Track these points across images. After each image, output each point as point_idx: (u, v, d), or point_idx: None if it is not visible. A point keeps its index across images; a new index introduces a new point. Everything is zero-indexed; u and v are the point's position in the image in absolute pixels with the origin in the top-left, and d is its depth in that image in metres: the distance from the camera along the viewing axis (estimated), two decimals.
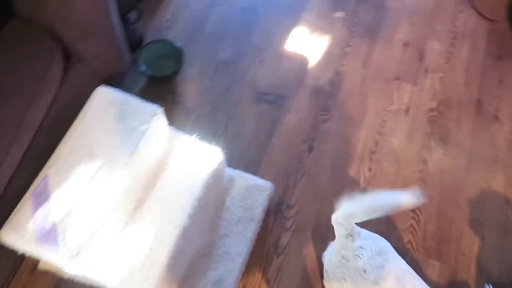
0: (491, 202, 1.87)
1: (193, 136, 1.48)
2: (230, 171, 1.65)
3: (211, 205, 1.50)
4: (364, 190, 1.84)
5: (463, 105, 2.11)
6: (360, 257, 1.27)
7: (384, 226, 1.76)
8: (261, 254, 1.69)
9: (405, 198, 1.18)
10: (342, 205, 1.27)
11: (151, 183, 1.40)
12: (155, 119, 1.33)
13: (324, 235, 1.72)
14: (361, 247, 1.29)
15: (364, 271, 1.25)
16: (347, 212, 1.26)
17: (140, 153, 1.29)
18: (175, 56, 1.97)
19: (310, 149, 1.93)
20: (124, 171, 1.26)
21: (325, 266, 1.44)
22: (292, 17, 2.29)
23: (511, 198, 1.89)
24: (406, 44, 2.25)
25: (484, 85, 2.17)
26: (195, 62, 2.11)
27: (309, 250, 1.70)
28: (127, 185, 1.27)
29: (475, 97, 2.13)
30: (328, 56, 2.19)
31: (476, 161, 1.96)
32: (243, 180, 1.63)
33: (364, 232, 1.37)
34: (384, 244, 1.37)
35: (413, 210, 1.81)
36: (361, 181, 1.86)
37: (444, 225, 1.80)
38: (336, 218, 1.30)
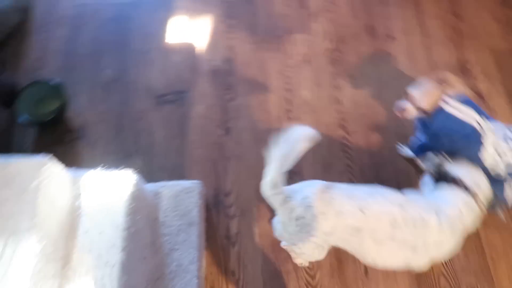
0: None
1: (98, 168, 1.39)
2: (152, 186, 1.58)
3: (144, 228, 1.42)
4: None
5: (357, 36, 2.14)
6: (311, 206, 1.26)
7: (321, 174, 1.78)
8: (217, 250, 1.65)
9: (300, 132, 1.23)
10: (264, 177, 1.26)
11: (71, 234, 1.30)
12: (44, 170, 1.23)
13: (269, 206, 1.72)
14: (304, 198, 1.27)
15: (323, 213, 1.25)
16: (270, 181, 1.24)
17: (42, 211, 1.19)
18: (56, 93, 1.82)
19: (228, 131, 1.88)
20: (32, 237, 1.16)
21: (287, 243, 1.43)
22: (165, 9, 2.20)
23: None
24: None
25: (369, 10, 2.21)
26: (81, 91, 1.96)
27: (261, 228, 1.68)
28: (42, 249, 1.17)
29: (365, 25, 2.17)
30: (214, 34, 2.13)
31: (384, 82, 2.01)
32: (169, 189, 1.57)
33: (294, 186, 1.36)
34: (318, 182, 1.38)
35: (344, 150, 1.85)
36: None
37: (375, 152, 1.86)
38: (266, 192, 1.28)
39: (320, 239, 1.28)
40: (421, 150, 1.65)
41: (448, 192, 1.36)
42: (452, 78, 1.43)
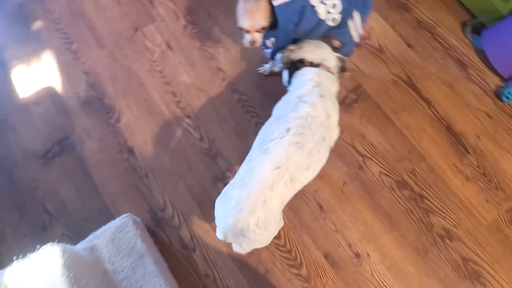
0: None
1: (16, 260, 1.24)
2: (84, 243, 1.45)
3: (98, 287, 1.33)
4: (202, 137, 1.80)
5: (203, 2, 2.10)
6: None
7: (240, 145, 1.78)
8: (182, 264, 1.60)
9: None
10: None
11: None
12: None
13: (209, 199, 1.69)
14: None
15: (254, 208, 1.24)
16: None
17: None
18: None
19: (131, 151, 1.78)
20: None
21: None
22: (1, 73, 1.95)
23: None
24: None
25: None
26: None
27: (210, 221, 1.66)
28: None
29: None
30: (64, 67, 1.95)
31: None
32: (102, 237, 1.46)
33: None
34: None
35: (248, 111, 1.85)
36: (194, 133, 1.81)
37: (271, 91, 1.88)
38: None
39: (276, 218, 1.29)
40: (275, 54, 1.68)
41: (301, 75, 1.47)
42: None
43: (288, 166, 1.22)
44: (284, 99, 1.43)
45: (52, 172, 1.75)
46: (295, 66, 1.49)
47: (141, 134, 1.81)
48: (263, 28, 1.46)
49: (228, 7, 2.08)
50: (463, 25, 2.02)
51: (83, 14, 2.07)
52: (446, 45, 1.99)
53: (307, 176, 1.30)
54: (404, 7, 2.08)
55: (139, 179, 1.74)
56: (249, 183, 1.21)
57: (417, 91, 1.88)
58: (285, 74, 1.56)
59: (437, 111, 1.84)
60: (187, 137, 1.81)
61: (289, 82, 1.52)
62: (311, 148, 1.26)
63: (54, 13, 2.06)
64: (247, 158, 1.30)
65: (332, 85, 1.47)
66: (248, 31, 1.46)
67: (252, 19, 1.42)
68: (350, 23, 1.57)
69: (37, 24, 2.04)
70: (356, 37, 1.63)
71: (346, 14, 1.54)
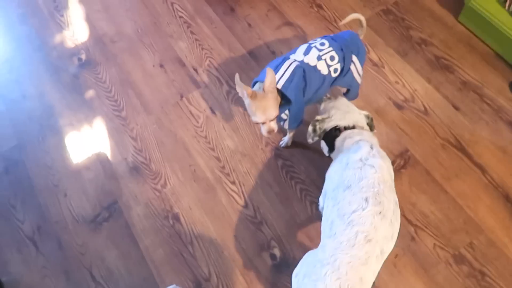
0: None
1: None
2: None
3: None
4: (247, 204, 1.79)
5: (244, 67, 2.16)
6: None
7: (284, 210, 1.75)
8: None
9: None
10: None
11: None
12: None
13: (255, 269, 1.65)
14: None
15: None
16: None
17: None
18: None
19: (176, 218, 1.78)
20: None
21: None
22: (51, 134, 2.04)
23: None
24: (161, 65, 2.21)
25: (242, 39, 2.25)
26: (9, 257, 1.74)
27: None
28: None
29: (246, 53, 2.20)
30: (114, 133, 2.03)
31: None
32: None
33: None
34: None
35: (291, 176, 1.84)
36: (239, 199, 1.81)
37: (313, 157, 1.87)
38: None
39: None
40: (296, 121, 1.67)
41: (349, 138, 1.45)
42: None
43: (377, 238, 1.18)
44: (341, 162, 1.39)
45: (100, 238, 1.78)
46: (331, 134, 1.50)
47: (186, 200, 1.83)
48: (276, 115, 1.51)
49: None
50: (511, 85, 1.97)
51: (131, 83, 2.17)
52: (495, 106, 1.93)
53: (391, 246, 1.25)
54: (447, 68, 2.06)
55: (184, 246, 1.73)
56: (342, 259, 1.16)
57: (469, 156, 1.81)
58: (323, 144, 1.56)
59: (492, 178, 1.75)
60: (231, 204, 1.80)
61: (330, 150, 1.51)
62: (391, 216, 1.23)
63: (105, 82, 2.18)
64: (328, 232, 1.25)
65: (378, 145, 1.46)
66: (263, 123, 1.51)
67: (264, 114, 1.48)
68: (353, 67, 1.63)
69: (90, 93, 2.16)
70: (359, 80, 1.68)
71: (345, 61, 1.59)
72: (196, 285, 1.65)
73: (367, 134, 1.46)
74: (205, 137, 1.98)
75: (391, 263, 1.61)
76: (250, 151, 1.93)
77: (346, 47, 1.59)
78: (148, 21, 2.38)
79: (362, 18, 1.68)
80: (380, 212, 1.20)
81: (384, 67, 2.09)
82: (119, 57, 2.26)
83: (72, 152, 2.00)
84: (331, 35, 1.67)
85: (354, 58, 1.62)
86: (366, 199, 1.22)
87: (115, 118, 2.07)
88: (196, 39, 2.28)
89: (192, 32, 2.31)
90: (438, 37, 2.16)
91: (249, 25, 2.31)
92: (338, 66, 1.59)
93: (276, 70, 1.53)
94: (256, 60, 2.19)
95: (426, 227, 1.67)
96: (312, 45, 1.60)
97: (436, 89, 2.01)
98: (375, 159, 1.32)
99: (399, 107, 1.97)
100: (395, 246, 1.66)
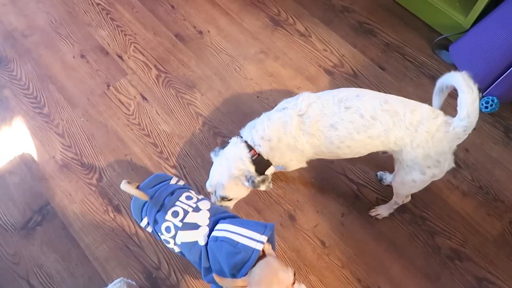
0: None
1: None
2: None
3: None
4: (190, 186, 1.74)
5: (171, 50, 2.08)
6: None
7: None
8: None
9: None
10: None
11: None
12: None
13: None
14: None
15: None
16: None
17: None
18: None
19: (117, 209, 1.68)
20: None
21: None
22: None
23: None
24: (82, 55, 2.06)
25: (166, 21, 2.16)
26: None
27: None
28: None
29: (172, 35, 2.12)
30: (37, 132, 1.86)
31: (223, 70, 2.02)
32: None
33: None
34: None
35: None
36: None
37: None
38: None
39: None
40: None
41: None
42: None
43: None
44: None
45: (34, 243, 1.63)
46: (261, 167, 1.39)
47: (125, 192, 1.73)
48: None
49: (197, 53, 2.08)
50: (430, 42, 2.08)
51: (51, 77, 2.01)
52: (417, 63, 2.03)
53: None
54: (370, 32, 2.13)
55: (129, 238, 1.64)
56: None
57: None
58: (271, 169, 1.44)
59: None
60: None
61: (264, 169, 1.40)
62: None
63: (21, 79, 2.00)
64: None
65: None
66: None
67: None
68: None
69: (5, 92, 1.97)
70: None
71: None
72: (146, 275, 1.57)
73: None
74: (138, 124, 1.89)
75: (339, 222, 1.65)
76: (187, 132, 1.87)
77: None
78: (62, 11, 2.21)
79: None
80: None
81: (311, 37, 2.12)
82: (34, 52, 2.08)
83: None
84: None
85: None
86: None
87: (37, 116, 1.91)
88: (118, 26, 2.16)
89: (112, 19, 2.18)
90: (358, 4, 2.22)
91: (172, 6, 2.23)
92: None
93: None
94: (183, 42, 2.12)
95: (367, 184, 1.73)
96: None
97: (362, 53, 2.07)
98: None
99: (329, 73, 2.01)
100: (341, 205, 1.70)
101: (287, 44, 2.09)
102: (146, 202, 1.25)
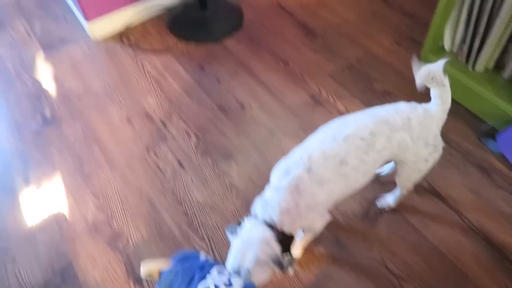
0: None
1: None
2: None
3: None
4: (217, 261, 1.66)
5: (213, 121, 2.13)
6: None
7: None
8: None
9: None
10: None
11: None
12: None
13: None
14: None
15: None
16: None
17: None
18: None
19: (139, 281, 1.62)
20: None
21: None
22: (6, 192, 1.90)
23: None
24: (128, 120, 2.16)
25: (211, 93, 2.26)
26: None
27: None
28: None
29: (214, 107, 2.19)
30: (74, 191, 1.89)
31: (260, 148, 2.02)
32: None
33: None
34: None
35: None
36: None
37: None
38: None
39: None
40: None
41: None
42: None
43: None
44: None
45: None
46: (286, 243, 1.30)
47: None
48: None
49: (237, 124, 2.11)
50: (475, 130, 2.01)
51: (97, 138, 2.10)
52: (462, 151, 1.94)
53: None
54: None
55: None
56: None
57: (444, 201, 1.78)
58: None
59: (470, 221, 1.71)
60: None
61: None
62: None
63: (69, 139, 2.10)
64: None
65: None
66: None
67: None
68: None
69: (51, 149, 2.06)
70: None
71: None
72: None
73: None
74: (172, 191, 1.88)
75: None
76: (219, 204, 1.83)
77: None
78: (117, 78, 2.37)
79: None
80: None
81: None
82: (85, 114, 2.20)
83: (27, 212, 1.84)
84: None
85: None
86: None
87: (76, 174, 1.96)
88: (165, 94, 2.27)
89: (161, 88, 2.31)
90: (400, 89, 2.22)
91: (218, 80, 2.33)
92: None
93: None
94: (224, 112, 2.17)
95: (408, 278, 1.57)
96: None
97: None
98: None
99: None
100: None
101: (327, 122, 2.09)
102: (172, 278, 1.18)
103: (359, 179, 1.34)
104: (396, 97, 2.17)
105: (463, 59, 2.08)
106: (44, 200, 1.88)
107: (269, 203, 1.30)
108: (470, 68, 2.08)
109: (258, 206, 1.34)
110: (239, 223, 1.33)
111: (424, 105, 1.39)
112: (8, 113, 2.22)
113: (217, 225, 1.76)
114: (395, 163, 1.47)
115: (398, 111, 1.35)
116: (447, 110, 1.39)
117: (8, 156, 2.04)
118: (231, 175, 1.93)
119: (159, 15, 2.72)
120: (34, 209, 1.85)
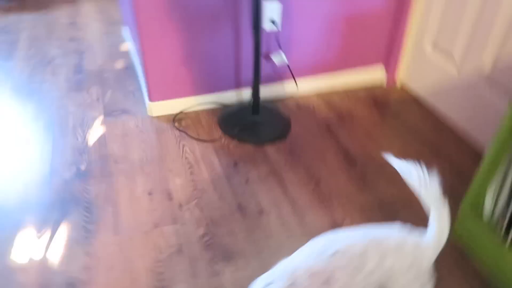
0: None
1: None
2: None
3: None
4: None
5: (227, 217, 2.11)
6: None
7: None
8: None
9: None
10: None
11: None
12: None
13: None
14: None
15: None
16: None
17: None
18: None
19: None
20: None
21: None
22: (8, 227, 1.96)
23: None
24: (150, 193, 2.21)
25: (236, 191, 2.28)
26: None
27: None
28: None
29: (234, 204, 2.19)
30: (70, 244, 1.90)
31: (264, 259, 1.91)
32: None
33: None
34: None
35: None
36: None
37: None
38: None
39: None
40: None
41: None
42: None
43: None
44: None
45: None
46: None
47: None
48: None
49: (250, 227, 2.05)
50: None
51: (115, 202, 2.15)
52: None
53: None
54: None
55: None
56: None
57: None
58: None
59: None
60: None
61: None
62: None
63: (91, 194, 2.18)
64: None
65: None
66: None
67: None
68: None
69: (70, 199, 2.14)
70: None
71: None
72: None
73: None
74: (161, 274, 1.79)
75: None
76: None
77: None
78: (156, 153, 2.50)
79: None
80: None
81: None
82: (114, 176, 2.31)
83: (17, 250, 1.85)
84: None
85: None
86: None
87: (80, 229, 1.97)
88: (193, 180, 2.33)
89: (192, 173, 2.38)
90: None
91: (247, 180, 2.35)
92: None
93: None
94: (241, 213, 2.14)
95: None
96: None
97: None
98: None
99: None
100: None
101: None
102: None
103: None
104: None
105: (502, 230, 1.90)
106: (39, 246, 1.89)
107: None
108: (507, 245, 1.79)
109: None
110: None
111: (418, 235, 1.32)
112: (51, 158, 2.40)
113: None
114: None
115: (389, 235, 1.29)
116: (443, 240, 1.31)
117: (29, 197, 2.15)
118: (224, 277, 1.81)
119: (214, 108, 2.95)
120: (25, 250, 1.86)
